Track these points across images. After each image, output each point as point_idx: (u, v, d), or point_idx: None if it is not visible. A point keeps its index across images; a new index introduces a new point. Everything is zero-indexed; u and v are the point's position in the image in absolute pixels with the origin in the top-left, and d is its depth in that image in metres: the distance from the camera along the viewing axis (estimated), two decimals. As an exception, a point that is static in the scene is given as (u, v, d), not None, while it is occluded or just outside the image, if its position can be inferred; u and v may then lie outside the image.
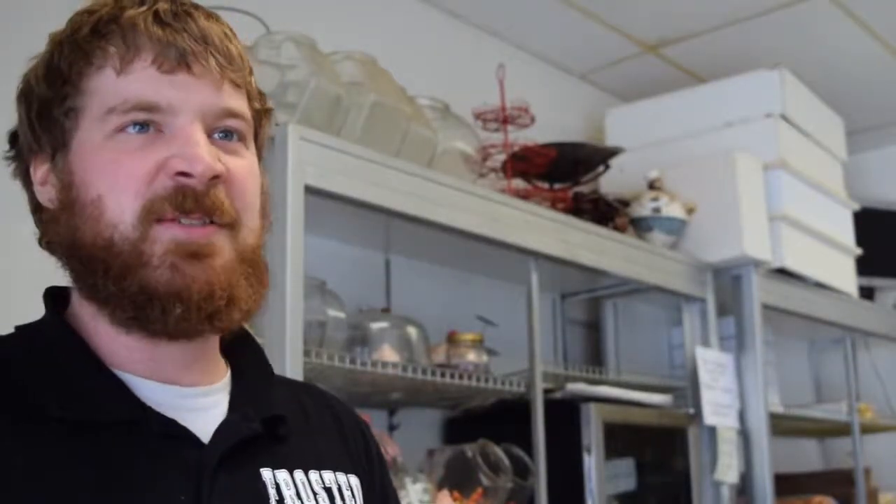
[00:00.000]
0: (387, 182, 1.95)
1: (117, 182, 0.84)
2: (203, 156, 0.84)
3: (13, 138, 0.93)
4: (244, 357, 0.98)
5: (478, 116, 2.55)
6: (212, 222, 0.85)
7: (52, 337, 0.88)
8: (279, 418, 0.93)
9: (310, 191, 1.80)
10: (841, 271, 3.34)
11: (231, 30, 0.92)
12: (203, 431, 0.86)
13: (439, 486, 2.17)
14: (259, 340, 1.78)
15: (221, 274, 0.85)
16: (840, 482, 3.49)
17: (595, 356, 3.08)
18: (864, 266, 3.50)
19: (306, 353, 1.78)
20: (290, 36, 2.00)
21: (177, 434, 0.84)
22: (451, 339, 2.32)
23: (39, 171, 0.90)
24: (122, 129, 0.85)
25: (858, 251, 3.45)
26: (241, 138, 0.90)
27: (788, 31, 3.27)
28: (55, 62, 0.87)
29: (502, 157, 2.56)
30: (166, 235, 0.83)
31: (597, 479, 2.32)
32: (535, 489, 2.22)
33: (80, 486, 0.79)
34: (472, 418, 2.51)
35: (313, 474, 0.93)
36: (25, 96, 0.90)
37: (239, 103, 0.90)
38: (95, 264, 0.84)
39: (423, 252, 2.45)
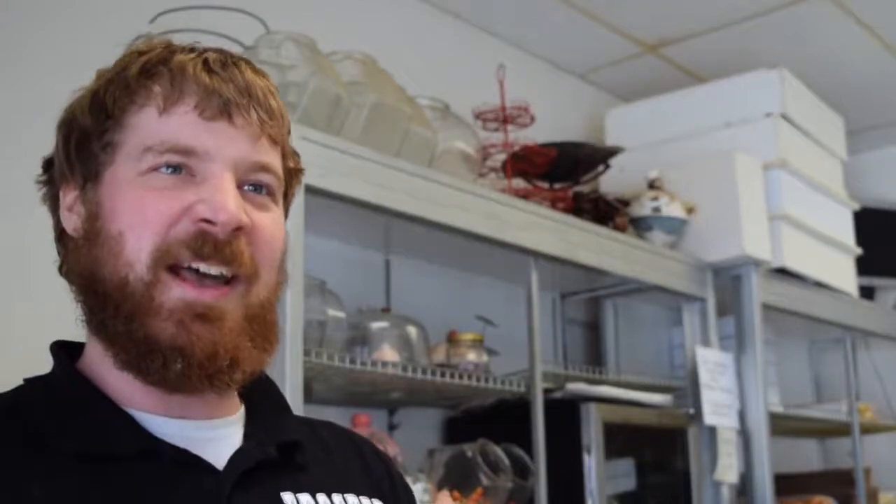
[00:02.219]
0: (387, 182, 1.95)
1: (140, 219, 0.84)
2: (229, 205, 0.84)
3: (48, 164, 0.94)
4: (258, 391, 0.98)
5: (478, 116, 2.55)
6: (228, 280, 0.85)
7: (63, 382, 0.89)
8: (296, 444, 0.93)
9: (310, 191, 1.80)
10: (841, 271, 3.34)
11: (274, 87, 0.93)
12: (217, 460, 0.86)
13: (439, 486, 2.17)
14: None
15: (227, 336, 0.84)
16: (840, 482, 3.49)
17: (595, 356, 3.08)
18: (864, 266, 3.50)
19: (306, 353, 1.78)
20: (290, 36, 2.00)
21: (190, 462, 0.85)
22: (451, 339, 2.32)
23: (68, 198, 0.90)
24: (155, 168, 0.85)
25: (858, 251, 3.45)
26: (271, 193, 0.91)
27: (788, 31, 3.27)
28: (100, 96, 0.88)
29: (502, 156, 2.56)
30: (176, 293, 0.83)
31: (597, 479, 2.32)
32: (535, 489, 2.21)
33: None
34: (472, 418, 2.51)
35: (337, 497, 0.93)
36: (67, 125, 0.90)
37: (273, 159, 0.90)
38: (108, 301, 0.84)
39: (423, 252, 2.45)
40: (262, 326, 0.88)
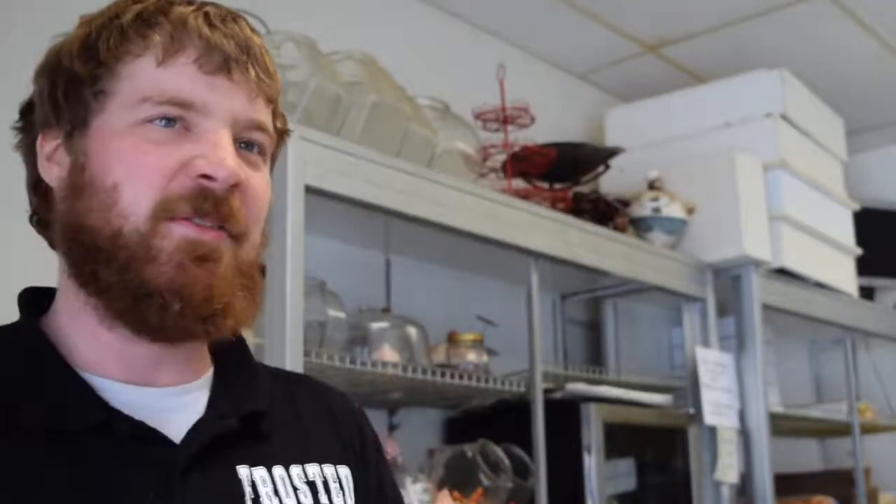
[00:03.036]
0: (387, 182, 1.95)
1: (137, 172, 0.83)
2: (229, 162, 0.84)
3: (26, 109, 0.92)
4: (228, 352, 0.96)
5: (478, 116, 2.55)
6: (221, 228, 0.85)
7: (24, 344, 0.87)
8: (259, 414, 0.92)
9: (310, 191, 1.80)
10: (841, 271, 3.34)
11: (266, 47, 0.93)
12: (178, 431, 0.85)
13: (439, 486, 2.17)
14: (259, 340, 1.79)
15: (223, 280, 0.84)
16: (840, 482, 3.49)
17: (595, 356, 3.08)
18: (864, 266, 3.50)
19: (306, 353, 1.78)
20: (290, 36, 2.00)
21: (147, 436, 0.84)
22: (451, 339, 2.32)
23: (48, 147, 0.88)
24: (150, 120, 0.84)
25: (858, 251, 3.45)
26: (262, 152, 0.90)
27: (788, 31, 3.27)
28: (92, 41, 0.86)
29: (502, 157, 2.56)
30: (178, 233, 0.83)
31: (597, 479, 2.32)
32: (535, 489, 2.21)
33: (49, 491, 0.79)
34: (472, 418, 2.51)
35: (295, 469, 0.93)
36: (51, 71, 0.88)
37: (267, 118, 0.90)
38: (98, 253, 0.83)
39: (423, 252, 2.44)
40: (252, 283, 0.88)
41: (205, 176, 0.83)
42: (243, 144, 0.88)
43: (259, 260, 0.90)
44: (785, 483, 3.12)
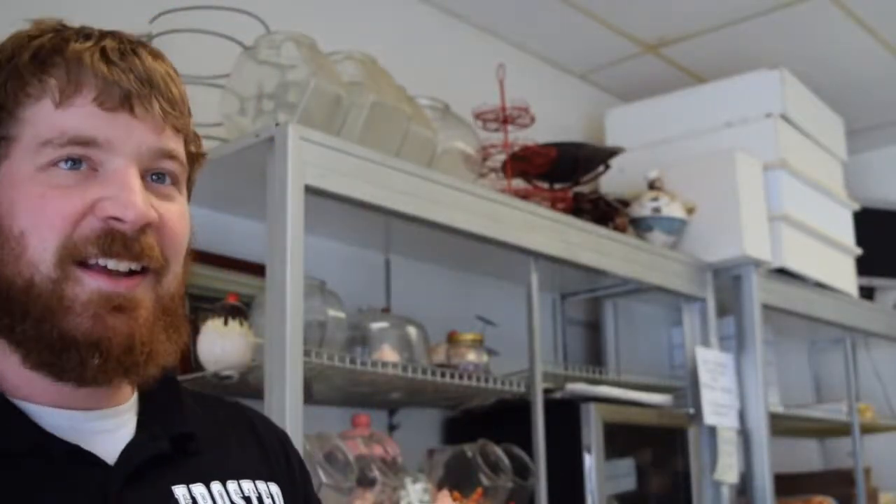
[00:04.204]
0: (387, 182, 1.95)
1: (42, 219, 0.81)
2: (138, 202, 0.82)
3: None
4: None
5: (478, 116, 2.55)
6: (138, 270, 0.84)
7: None
8: (188, 436, 0.92)
9: (310, 191, 1.80)
10: (841, 271, 3.34)
11: (174, 71, 0.91)
12: (110, 453, 0.85)
13: (439, 486, 2.17)
14: (259, 340, 1.79)
15: (143, 327, 0.84)
16: (840, 482, 3.49)
17: (595, 356, 3.08)
18: (864, 266, 3.51)
19: (306, 353, 1.78)
20: (290, 36, 2.00)
21: (81, 458, 0.83)
22: (451, 339, 2.32)
23: None
24: (54, 163, 0.82)
25: (858, 251, 3.45)
26: (175, 181, 0.89)
27: (788, 31, 3.27)
28: None
29: (502, 157, 2.56)
30: (91, 284, 0.82)
31: (597, 479, 2.32)
32: (535, 489, 2.21)
33: None
34: (472, 418, 2.51)
35: (231, 485, 0.93)
36: None
37: (177, 147, 0.89)
38: (13, 306, 0.82)
39: (423, 252, 2.45)
40: (174, 319, 0.88)
41: (114, 218, 0.82)
42: (154, 176, 0.87)
43: (181, 290, 0.90)
44: (785, 483, 3.12)
